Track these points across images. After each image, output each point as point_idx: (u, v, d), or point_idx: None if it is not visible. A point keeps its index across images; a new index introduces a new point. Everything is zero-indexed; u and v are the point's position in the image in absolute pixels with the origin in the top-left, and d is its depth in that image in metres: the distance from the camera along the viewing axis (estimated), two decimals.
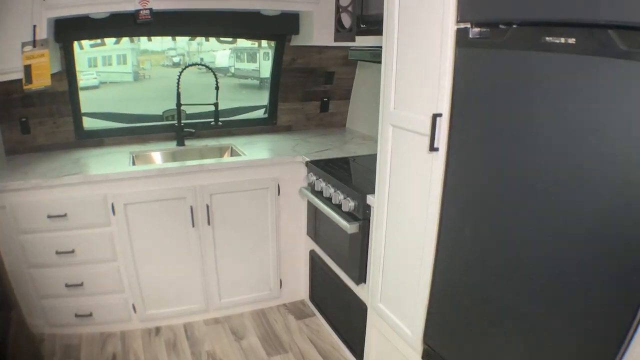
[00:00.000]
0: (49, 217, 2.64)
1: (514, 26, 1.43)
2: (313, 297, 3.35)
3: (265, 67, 8.42)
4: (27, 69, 2.62)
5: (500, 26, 1.48)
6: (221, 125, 3.45)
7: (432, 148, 1.77)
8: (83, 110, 3.35)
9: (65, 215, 2.67)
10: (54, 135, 3.29)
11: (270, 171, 3.06)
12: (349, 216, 2.49)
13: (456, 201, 1.78)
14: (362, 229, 2.42)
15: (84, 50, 3.61)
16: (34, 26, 2.59)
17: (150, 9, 2.75)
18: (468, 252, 1.76)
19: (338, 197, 2.56)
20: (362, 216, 2.41)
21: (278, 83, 3.77)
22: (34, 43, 2.61)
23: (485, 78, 1.57)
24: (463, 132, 1.69)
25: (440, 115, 1.72)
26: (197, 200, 2.90)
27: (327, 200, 2.69)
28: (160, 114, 3.79)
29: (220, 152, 3.48)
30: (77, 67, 3.19)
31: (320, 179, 2.80)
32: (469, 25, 1.58)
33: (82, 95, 3.25)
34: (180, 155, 3.39)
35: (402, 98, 1.98)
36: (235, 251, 3.14)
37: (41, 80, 2.68)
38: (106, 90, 6.68)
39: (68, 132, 3.32)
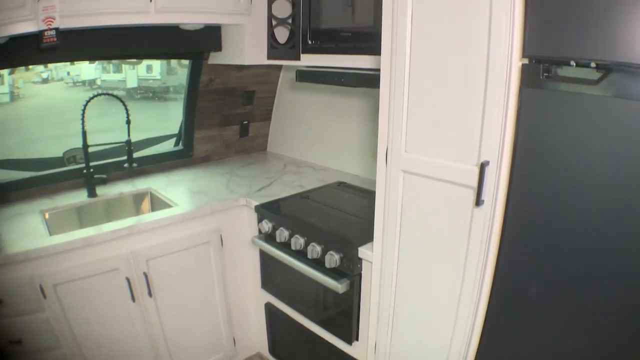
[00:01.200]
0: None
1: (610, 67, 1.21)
2: (274, 350, 3.03)
3: (130, 77, 8.38)
4: None
5: (592, 65, 1.25)
6: (136, 166, 2.96)
7: (478, 201, 1.52)
8: None
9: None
10: None
11: (210, 221, 2.67)
12: (333, 272, 2.19)
13: (515, 259, 1.55)
14: (353, 286, 2.15)
15: None
16: None
17: (56, 29, 2.21)
18: (535, 316, 1.54)
19: (314, 250, 2.22)
20: (351, 271, 2.14)
21: (194, 109, 3.32)
22: None
23: (560, 124, 1.35)
24: (526, 183, 1.47)
25: (488, 163, 1.49)
26: (132, 269, 2.46)
27: (298, 254, 2.34)
28: (60, 155, 3.24)
29: (139, 200, 3.04)
30: None
31: (282, 228, 2.43)
32: (538, 61, 1.35)
33: None
34: (95, 209, 2.91)
35: (421, 140, 1.72)
36: (182, 316, 2.76)
37: None
38: None
39: None
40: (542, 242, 1.47)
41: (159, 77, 8.06)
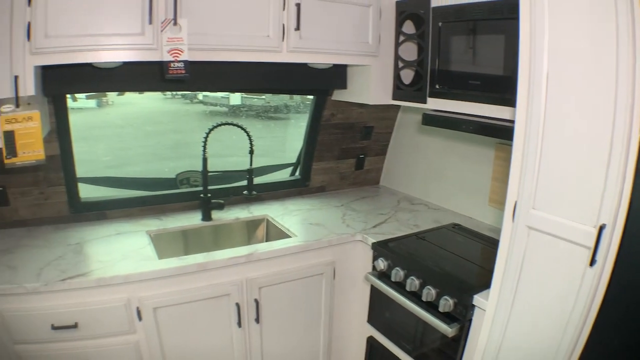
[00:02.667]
0: (54, 328, 2.25)
1: None
2: None
3: (235, 95, 8.57)
4: (9, 138, 2.20)
5: None
6: (255, 194, 3.19)
7: (592, 261, 1.65)
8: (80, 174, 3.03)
9: (75, 325, 2.28)
10: (41, 209, 2.93)
11: (326, 254, 2.88)
12: (444, 315, 2.32)
13: (615, 317, 1.69)
14: (462, 330, 2.27)
15: None
16: (16, 77, 2.11)
17: (185, 62, 2.35)
18: None
19: (429, 293, 2.36)
20: (462, 317, 2.26)
21: (315, 142, 3.62)
22: (16, 101, 2.15)
23: None
24: (636, 246, 1.59)
25: (605, 226, 1.62)
26: (244, 296, 2.66)
27: (411, 295, 2.49)
28: (174, 176, 3.57)
29: (253, 226, 3.25)
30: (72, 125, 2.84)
31: (398, 268, 2.58)
32: None
33: None
34: (204, 233, 3.11)
35: (548, 199, 1.82)
36: (284, 342, 2.93)
37: (31, 153, 2.26)
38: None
39: (60, 204, 2.97)
40: None
41: (263, 96, 8.24)
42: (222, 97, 8.62)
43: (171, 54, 2.33)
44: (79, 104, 7.13)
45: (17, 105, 2.18)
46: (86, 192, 3.15)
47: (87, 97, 7.40)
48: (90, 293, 2.30)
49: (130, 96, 7.69)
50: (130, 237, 2.81)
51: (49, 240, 2.73)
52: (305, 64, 3.01)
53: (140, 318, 2.43)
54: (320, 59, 2.83)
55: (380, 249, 2.77)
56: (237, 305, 2.66)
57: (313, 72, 3.10)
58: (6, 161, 2.23)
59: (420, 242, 2.87)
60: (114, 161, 6.94)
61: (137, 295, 2.39)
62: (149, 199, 3.25)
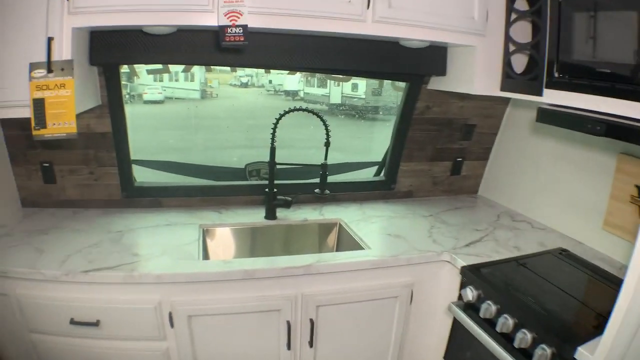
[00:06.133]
0: (74, 323, 2.13)
1: None
2: None
3: (335, 93, 8.58)
4: (38, 106, 2.03)
5: None
6: (328, 193, 2.82)
7: None
8: (134, 155, 2.88)
9: (96, 323, 2.14)
10: (90, 190, 2.84)
11: (404, 274, 2.46)
12: None
13: None
14: None
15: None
16: (49, 39, 1.96)
17: (244, 27, 2.04)
18: None
19: (524, 338, 1.91)
20: None
21: (404, 138, 3.17)
22: (48, 66, 1.98)
23: None
24: None
25: None
26: (297, 314, 2.34)
27: (502, 337, 2.05)
28: (243, 167, 3.29)
29: (324, 231, 2.90)
30: (125, 100, 2.68)
31: (490, 302, 2.12)
32: None
33: (146, 109, 2.77)
34: (270, 235, 2.82)
35: None
36: None
37: (61, 125, 2.06)
38: (171, 106, 6.96)
39: (111, 186, 2.86)
40: None
41: (363, 96, 8.16)
42: (323, 95, 8.44)
43: (228, 18, 2.04)
44: (182, 93, 7.31)
45: (50, 71, 2.00)
46: (148, 176, 3.08)
47: (191, 88, 7.66)
48: (117, 290, 2.15)
49: (234, 90, 7.74)
50: (179, 230, 2.63)
51: (91, 224, 2.63)
52: (396, 42, 2.55)
53: (172, 324, 2.22)
54: (414, 33, 2.34)
55: (470, 275, 2.31)
56: (288, 323, 2.35)
57: (405, 52, 2.62)
58: (34, 132, 2.05)
59: (520, 269, 2.38)
60: (201, 146, 7.12)
61: (170, 299, 2.18)
62: (210, 189, 3.04)
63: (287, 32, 2.31)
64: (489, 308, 2.13)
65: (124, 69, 2.94)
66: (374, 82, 7.41)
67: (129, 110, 2.79)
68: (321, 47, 2.55)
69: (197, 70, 7.01)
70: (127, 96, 3.59)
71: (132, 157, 2.89)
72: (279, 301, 2.30)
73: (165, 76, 6.72)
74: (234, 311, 2.26)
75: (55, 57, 2.00)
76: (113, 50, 2.37)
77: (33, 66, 1.99)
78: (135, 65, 3.27)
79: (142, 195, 2.93)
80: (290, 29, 2.19)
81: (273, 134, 2.69)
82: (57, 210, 2.80)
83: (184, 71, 3.14)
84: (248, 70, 7.17)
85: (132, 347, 2.24)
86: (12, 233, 2.46)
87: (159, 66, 3.13)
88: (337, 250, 2.88)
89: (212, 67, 3.37)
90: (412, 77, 2.95)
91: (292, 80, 7.96)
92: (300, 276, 2.29)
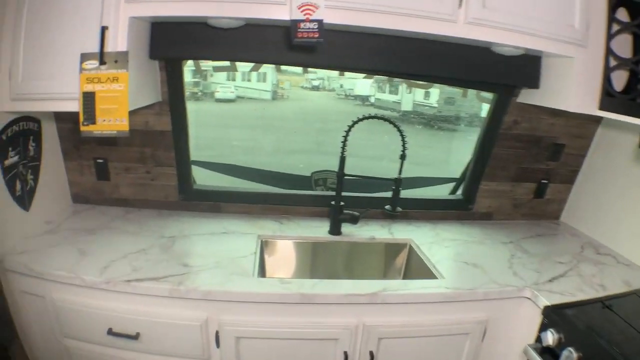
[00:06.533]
0: (112, 333, 2.01)
1: None
2: None
3: (406, 101, 8.49)
4: (88, 100, 1.88)
5: None
6: (400, 211, 2.57)
7: None
8: (199, 153, 2.75)
9: (136, 336, 2.02)
10: (145, 189, 2.73)
11: (478, 309, 2.19)
12: None
13: None
14: None
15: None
16: (103, 28, 1.84)
17: (319, 22, 1.84)
18: None
19: None
20: None
21: (488, 154, 2.88)
22: (101, 57, 1.85)
23: None
24: None
25: None
26: (357, 345, 2.11)
27: None
28: (309, 174, 3.08)
29: (392, 252, 2.66)
30: (197, 97, 2.58)
31: (572, 349, 1.85)
32: None
33: (218, 107, 2.61)
34: (333, 252, 2.61)
35: None
36: None
37: (112, 122, 1.91)
38: (242, 105, 7.07)
39: (168, 187, 2.73)
40: None
41: (435, 104, 8.03)
42: (394, 102, 8.57)
43: (302, 11, 1.84)
44: (254, 93, 7.42)
45: (103, 63, 1.87)
46: (207, 178, 2.96)
47: (263, 89, 7.73)
48: (161, 303, 2.01)
49: (305, 93, 7.85)
50: (237, 240, 2.47)
51: (143, 227, 2.54)
52: (485, 47, 2.27)
53: (218, 344, 2.07)
54: (509, 38, 2.06)
55: (553, 316, 2.02)
56: (345, 354, 2.13)
57: (496, 60, 2.33)
58: (82, 128, 1.92)
59: (606, 313, 2.08)
60: (266, 148, 7.13)
61: (218, 318, 2.02)
62: (273, 197, 2.87)
63: (367, 31, 2.08)
64: (570, 356, 1.87)
65: (190, 65, 2.78)
66: (449, 91, 7.21)
67: (200, 107, 2.66)
68: (404, 49, 2.28)
69: (269, 71, 7.10)
70: (199, 93, 3.52)
71: (194, 156, 2.76)
72: (337, 330, 2.08)
73: (238, 75, 6.79)
74: (287, 336, 2.07)
75: (109, 48, 1.87)
76: (175, 44, 2.20)
77: (84, 57, 1.87)
78: (202, 63, 3.08)
79: (200, 198, 2.78)
80: (371, 26, 1.96)
81: (344, 143, 2.47)
82: (108, 208, 2.71)
83: (252, 70, 2.95)
84: (320, 73, 7.14)
85: None
86: (58, 230, 2.39)
87: (227, 63, 2.92)
88: (405, 275, 2.65)
89: (283, 67, 3.17)
90: (501, 87, 2.66)
91: (363, 85, 7.94)
92: (363, 305, 2.06)
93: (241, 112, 7.05)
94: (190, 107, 2.64)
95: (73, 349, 2.13)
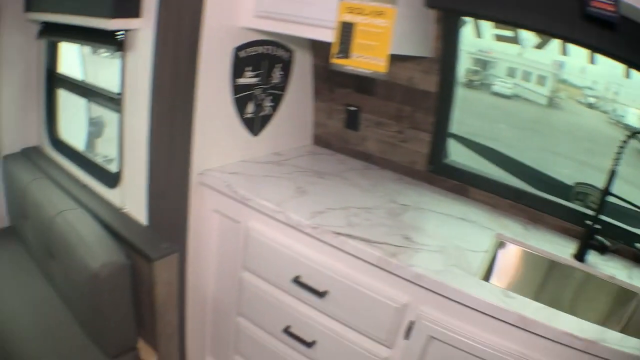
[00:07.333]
0: (297, 282, 1.94)
1: None
2: None
3: None
4: (345, 31, 1.76)
5: None
6: None
7: None
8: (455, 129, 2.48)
9: (322, 293, 1.89)
10: (393, 150, 2.57)
11: None
12: None
13: None
14: None
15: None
16: None
17: None
18: None
19: None
20: None
21: None
22: None
23: None
24: None
25: None
26: None
27: None
28: (571, 184, 2.69)
29: (622, 300, 2.17)
30: (475, 86, 2.40)
31: None
32: None
33: (491, 100, 2.40)
34: (566, 277, 2.22)
35: None
36: None
37: (368, 59, 1.74)
38: (516, 104, 6.60)
39: (417, 154, 2.52)
40: None
41: None
42: None
43: None
44: (530, 95, 7.03)
45: None
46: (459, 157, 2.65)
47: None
48: (362, 267, 1.82)
49: (578, 107, 7.19)
50: (472, 230, 2.15)
51: (377, 186, 2.38)
52: None
53: (407, 336, 1.80)
54: None
55: None
56: None
57: None
58: (333, 60, 1.82)
59: None
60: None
61: (418, 307, 1.76)
62: (526, 196, 2.50)
63: None
64: None
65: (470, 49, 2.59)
66: None
67: (475, 95, 2.43)
68: None
69: (550, 76, 6.69)
70: (476, 82, 3.37)
71: (452, 130, 2.51)
72: None
73: (519, 73, 6.34)
74: (484, 355, 1.72)
75: None
76: None
77: None
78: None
79: (448, 175, 2.51)
80: None
81: (618, 155, 2.04)
82: (348, 158, 2.65)
83: (537, 47, 2.66)
84: (599, 89, 6.40)
85: (350, 338, 1.92)
86: (284, 164, 2.40)
87: (509, 33, 2.68)
88: (624, 329, 2.18)
89: (564, 76, 2.83)
90: None
91: (634, 115, 7.06)
92: (574, 349, 1.66)
93: (513, 110, 6.83)
94: (464, 93, 2.46)
95: (248, 283, 2.13)
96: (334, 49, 1.78)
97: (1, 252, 2.77)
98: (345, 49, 1.77)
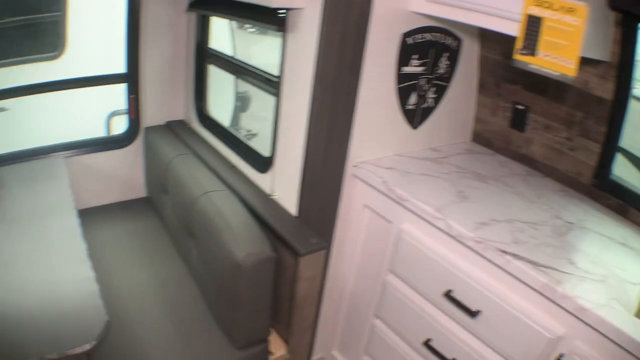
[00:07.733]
0: (448, 297, 1.80)
1: None
2: None
3: None
4: (532, 26, 1.60)
5: None
6: None
7: None
8: (623, 143, 2.20)
9: (476, 313, 1.73)
10: (558, 157, 2.31)
11: None
12: None
13: None
14: None
15: None
16: None
17: None
18: None
19: None
20: None
21: None
22: None
23: None
24: None
25: None
26: None
27: None
28: None
29: None
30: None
31: None
32: None
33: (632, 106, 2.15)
34: None
35: None
36: None
37: (556, 60, 1.59)
38: None
39: (583, 165, 2.26)
40: None
41: None
42: None
43: None
44: None
45: None
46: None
47: None
48: (522, 290, 1.64)
49: None
50: (631, 259, 1.86)
51: (541, 197, 2.14)
52: None
53: None
54: None
55: None
56: None
57: None
58: (516, 56, 1.67)
59: None
60: None
61: (573, 342, 1.56)
62: None
63: None
64: None
65: None
66: None
67: None
68: None
69: None
70: None
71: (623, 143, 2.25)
72: None
73: None
74: None
75: None
76: None
77: None
78: None
79: (612, 192, 2.23)
80: None
81: None
82: (509, 161, 2.43)
83: None
84: None
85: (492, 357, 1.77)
86: (443, 162, 2.24)
87: None
88: None
89: None
90: None
91: None
92: None
93: None
94: (636, 106, 2.18)
95: (392, 287, 2.05)
96: (518, 44, 1.63)
97: (137, 222, 2.81)
98: (531, 45, 1.61)
